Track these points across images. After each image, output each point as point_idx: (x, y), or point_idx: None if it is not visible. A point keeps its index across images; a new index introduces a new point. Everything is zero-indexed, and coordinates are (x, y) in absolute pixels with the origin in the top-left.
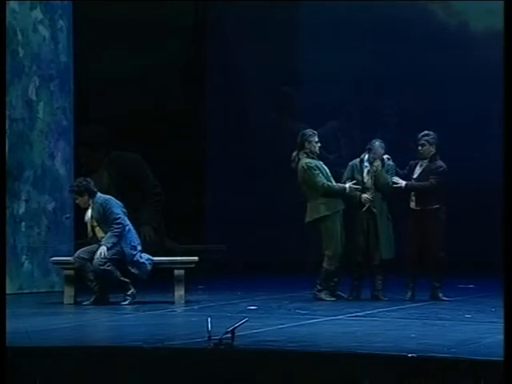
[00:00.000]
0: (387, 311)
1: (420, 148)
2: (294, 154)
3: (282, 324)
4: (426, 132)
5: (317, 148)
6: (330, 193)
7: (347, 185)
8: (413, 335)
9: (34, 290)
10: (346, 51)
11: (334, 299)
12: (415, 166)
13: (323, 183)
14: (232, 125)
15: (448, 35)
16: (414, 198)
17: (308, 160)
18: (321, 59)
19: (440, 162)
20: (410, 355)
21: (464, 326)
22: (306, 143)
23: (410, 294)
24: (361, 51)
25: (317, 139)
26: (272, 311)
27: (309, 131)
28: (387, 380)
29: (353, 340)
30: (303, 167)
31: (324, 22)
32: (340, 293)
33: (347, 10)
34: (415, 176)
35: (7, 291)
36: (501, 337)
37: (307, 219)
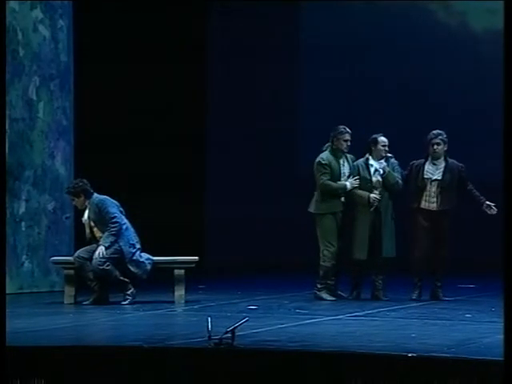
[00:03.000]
0: (387, 311)
1: (436, 147)
2: (326, 145)
3: (282, 324)
4: (439, 131)
5: (344, 146)
6: (328, 191)
7: (348, 182)
8: (413, 335)
9: (35, 290)
10: (346, 51)
11: (334, 299)
12: (423, 166)
13: (323, 182)
14: (234, 128)
15: (448, 34)
16: (435, 199)
17: (326, 155)
18: (321, 59)
19: (454, 161)
20: (410, 355)
21: (464, 326)
22: (335, 139)
23: (417, 292)
24: (360, 51)
25: (347, 137)
26: (272, 311)
27: (341, 128)
28: (387, 380)
29: (353, 340)
30: (318, 161)
31: (324, 23)
32: (340, 292)
33: (348, 11)
34: (438, 177)
35: (7, 291)
36: (501, 336)
37: (308, 209)
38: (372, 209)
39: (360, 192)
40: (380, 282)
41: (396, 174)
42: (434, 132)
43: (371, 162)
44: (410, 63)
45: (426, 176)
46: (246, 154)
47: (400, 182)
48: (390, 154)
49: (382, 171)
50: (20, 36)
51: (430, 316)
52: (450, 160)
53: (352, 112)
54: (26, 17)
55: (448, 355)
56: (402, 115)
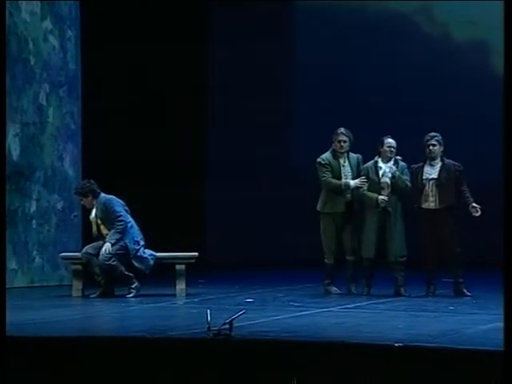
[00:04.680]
0: (376, 304)
1: (432, 148)
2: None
3: (277, 316)
4: (434, 133)
5: (338, 146)
6: (330, 188)
7: (353, 181)
8: (399, 326)
9: (45, 284)
10: (336, 59)
11: (340, 292)
12: (422, 168)
13: (326, 180)
14: (233, 123)
15: (432, 44)
16: (433, 198)
17: (325, 155)
18: (314, 65)
19: (451, 160)
20: (396, 345)
21: (447, 318)
22: (333, 140)
23: (432, 289)
24: (349, 59)
25: (340, 138)
26: (267, 304)
27: (338, 129)
28: (375, 368)
29: (343, 330)
30: (318, 161)
31: (316, 30)
32: (335, 288)
33: (338, 19)
34: (435, 176)
35: (19, 285)
36: (483, 327)
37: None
38: (380, 209)
39: (369, 194)
40: (401, 278)
41: (405, 177)
42: (430, 134)
43: (380, 164)
44: (395, 70)
45: (424, 177)
46: (244, 151)
47: (409, 185)
48: (399, 157)
49: (391, 175)
50: (31, 45)
51: (415, 308)
52: (447, 160)
53: (340, 116)
54: (37, 28)
55: (432, 345)
56: (386, 119)
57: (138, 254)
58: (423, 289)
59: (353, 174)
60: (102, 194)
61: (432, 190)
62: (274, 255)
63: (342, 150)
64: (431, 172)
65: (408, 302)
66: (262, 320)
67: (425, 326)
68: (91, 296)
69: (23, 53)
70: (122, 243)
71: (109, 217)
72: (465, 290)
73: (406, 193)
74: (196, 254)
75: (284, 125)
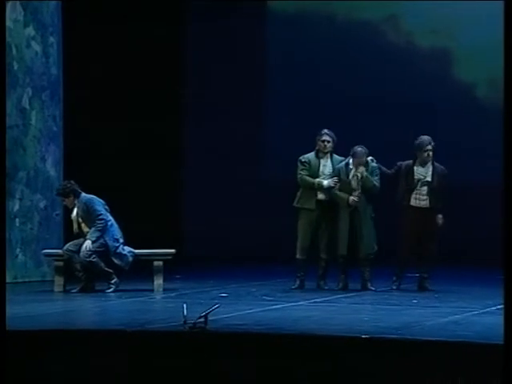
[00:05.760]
0: (343, 298)
1: (430, 153)
2: None
3: (250, 309)
4: (429, 138)
5: (322, 146)
6: (303, 185)
7: (326, 180)
8: (366, 318)
9: (27, 280)
10: (308, 66)
11: (296, 287)
12: (412, 168)
13: (300, 176)
14: (209, 114)
15: (397, 51)
16: (425, 197)
17: (308, 154)
18: (285, 71)
19: (438, 164)
20: (363, 336)
21: (411, 311)
22: (317, 140)
23: (397, 283)
24: (321, 65)
25: (323, 138)
26: (241, 298)
27: (322, 130)
28: (343, 358)
29: (313, 323)
30: (299, 158)
31: (289, 40)
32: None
33: (309, 26)
34: (429, 179)
35: None
36: (442, 319)
37: None
38: (351, 209)
39: (340, 194)
40: (368, 273)
41: (375, 178)
42: (427, 138)
43: (351, 166)
44: (362, 76)
45: (416, 177)
46: (222, 147)
47: (377, 185)
48: (370, 158)
49: (360, 175)
50: (14, 51)
51: (381, 302)
52: (436, 164)
53: (311, 113)
54: (20, 34)
55: (396, 336)
56: (352, 121)
57: (118, 251)
58: (388, 283)
59: (332, 175)
60: (83, 194)
61: (424, 190)
62: (249, 251)
63: (326, 150)
64: (423, 173)
65: (374, 295)
66: (235, 313)
67: (389, 319)
68: (72, 291)
69: (7, 58)
70: (102, 241)
71: (90, 215)
72: (428, 285)
73: (375, 193)
74: (173, 250)
75: (262, 120)
